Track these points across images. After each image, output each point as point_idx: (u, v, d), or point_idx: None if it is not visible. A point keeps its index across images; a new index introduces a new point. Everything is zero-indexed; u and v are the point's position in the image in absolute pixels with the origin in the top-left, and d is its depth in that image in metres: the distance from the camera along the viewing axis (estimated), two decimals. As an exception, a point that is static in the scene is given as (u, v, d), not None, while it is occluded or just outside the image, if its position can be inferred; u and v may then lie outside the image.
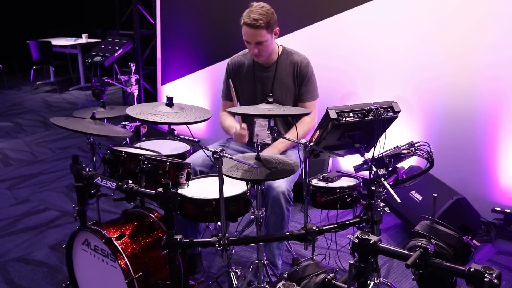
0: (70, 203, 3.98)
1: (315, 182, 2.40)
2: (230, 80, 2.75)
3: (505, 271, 2.93)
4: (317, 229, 2.12)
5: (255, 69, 2.94)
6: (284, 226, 2.61)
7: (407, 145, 2.24)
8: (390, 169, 2.20)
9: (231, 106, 3.09)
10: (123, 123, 2.90)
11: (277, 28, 2.79)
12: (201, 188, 2.33)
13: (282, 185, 2.54)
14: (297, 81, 2.89)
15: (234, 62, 3.01)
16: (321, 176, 2.45)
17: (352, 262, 1.74)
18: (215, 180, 2.39)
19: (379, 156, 2.18)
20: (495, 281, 1.48)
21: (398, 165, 2.27)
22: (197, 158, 2.70)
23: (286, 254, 3.08)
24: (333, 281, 1.88)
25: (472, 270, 1.54)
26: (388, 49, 3.68)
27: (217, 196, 2.03)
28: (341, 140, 2.22)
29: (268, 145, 2.77)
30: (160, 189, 1.95)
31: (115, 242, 2.21)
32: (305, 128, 2.85)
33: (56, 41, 8.63)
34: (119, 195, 2.21)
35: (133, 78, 3.20)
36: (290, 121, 2.96)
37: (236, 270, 2.40)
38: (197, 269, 2.79)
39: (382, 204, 2.17)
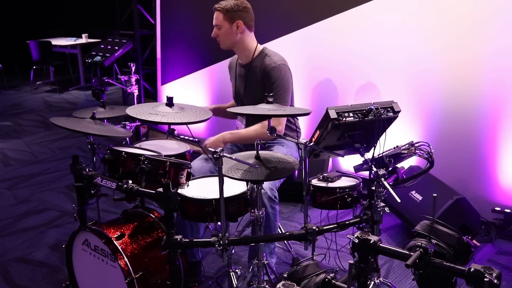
0: (70, 203, 3.98)
1: (315, 182, 2.40)
2: None
3: (505, 271, 2.93)
4: (317, 229, 2.12)
5: (237, 67, 3.05)
6: (271, 225, 2.61)
7: (407, 145, 2.24)
8: (390, 169, 2.20)
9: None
10: (123, 123, 2.90)
11: (239, 21, 2.82)
12: (201, 188, 2.33)
13: (264, 185, 2.55)
14: (263, 85, 2.85)
15: (231, 59, 3.17)
16: (321, 176, 2.45)
17: (352, 262, 1.74)
18: (215, 180, 2.39)
19: (379, 156, 2.18)
20: (495, 281, 1.48)
21: (398, 165, 2.27)
22: (196, 165, 2.70)
23: (286, 254, 3.08)
24: (333, 281, 1.88)
25: (472, 270, 1.54)
26: (387, 48, 3.68)
27: (217, 196, 2.03)
28: (341, 140, 2.23)
29: (264, 143, 2.75)
30: (160, 189, 1.95)
31: (115, 242, 2.20)
32: (259, 130, 2.76)
33: (56, 41, 8.64)
34: (119, 195, 2.20)
35: (133, 78, 3.19)
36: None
37: (236, 270, 2.40)
38: (198, 276, 2.78)
39: (382, 204, 2.17)
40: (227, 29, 2.85)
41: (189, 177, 2.25)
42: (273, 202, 2.58)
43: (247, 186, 2.28)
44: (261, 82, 2.87)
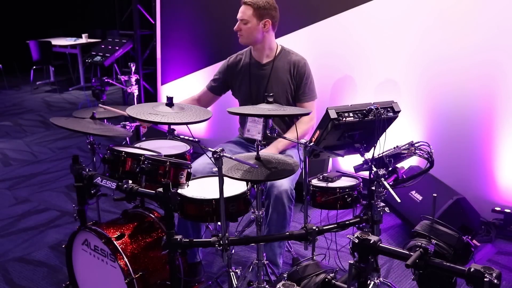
0: (70, 203, 3.98)
1: (315, 182, 2.40)
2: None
3: (505, 271, 2.93)
4: (317, 229, 2.12)
5: (251, 67, 2.97)
6: (286, 225, 2.61)
7: (407, 145, 2.24)
8: (390, 169, 2.20)
9: (208, 96, 3.13)
10: (123, 123, 2.90)
11: (268, 20, 2.80)
12: (201, 188, 2.33)
13: (284, 184, 2.55)
14: (294, 81, 2.90)
15: (234, 58, 3.07)
16: (321, 176, 2.45)
17: (352, 262, 1.74)
18: (215, 180, 2.39)
19: (379, 156, 2.18)
20: (495, 281, 1.48)
21: (398, 165, 2.27)
22: (198, 166, 2.71)
23: (286, 254, 3.08)
24: (333, 281, 1.88)
25: (472, 270, 1.54)
26: (388, 48, 3.68)
27: (217, 196, 2.03)
28: (341, 140, 2.23)
29: (265, 145, 2.78)
30: (160, 189, 1.95)
31: (115, 242, 2.20)
32: (304, 127, 2.86)
33: (56, 41, 8.63)
34: (119, 195, 2.21)
35: (133, 78, 3.19)
36: (287, 121, 2.97)
37: (236, 270, 2.40)
38: (198, 276, 2.78)
39: (382, 204, 2.17)
40: (253, 26, 2.80)
41: (189, 177, 2.25)
42: (290, 202, 2.59)
43: (247, 186, 2.28)
44: (290, 78, 2.89)
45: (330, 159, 3.89)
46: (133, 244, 2.27)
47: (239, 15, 2.83)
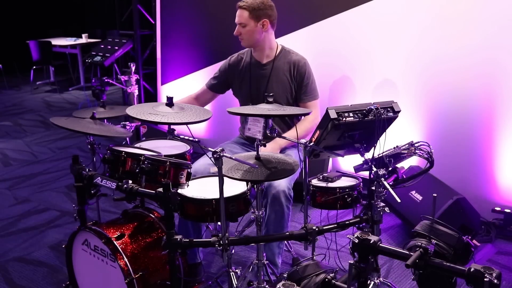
0: (70, 203, 3.98)
1: (315, 182, 2.40)
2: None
3: (505, 271, 2.93)
4: (317, 229, 2.12)
5: (252, 66, 2.98)
6: (284, 224, 2.61)
7: (407, 145, 2.24)
8: (390, 169, 2.20)
9: (207, 94, 3.15)
10: (123, 123, 2.90)
11: (265, 20, 2.81)
12: (201, 188, 2.33)
13: (282, 183, 2.55)
14: (294, 81, 2.90)
15: (235, 58, 3.08)
16: (321, 176, 2.45)
17: (352, 262, 1.74)
18: (215, 180, 2.39)
19: (379, 156, 2.18)
20: (495, 281, 1.48)
21: (398, 165, 2.27)
22: (199, 166, 2.71)
23: (286, 254, 3.08)
24: (333, 281, 1.88)
25: (472, 270, 1.54)
26: (389, 48, 3.68)
27: (217, 196, 2.03)
28: (341, 140, 2.23)
29: (265, 144, 2.78)
30: (160, 189, 1.95)
31: (114, 242, 2.20)
32: (307, 126, 2.86)
33: (56, 41, 8.64)
34: (119, 195, 2.20)
35: (133, 78, 3.18)
36: (287, 121, 2.97)
37: (236, 270, 2.40)
38: (198, 277, 2.78)
39: (382, 204, 2.17)
40: (252, 28, 2.81)
41: (189, 177, 2.25)
42: (288, 201, 2.60)
43: (247, 186, 2.28)
44: (290, 78, 2.90)
45: (330, 159, 3.89)
46: (133, 244, 2.27)
47: (236, 20, 2.84)
